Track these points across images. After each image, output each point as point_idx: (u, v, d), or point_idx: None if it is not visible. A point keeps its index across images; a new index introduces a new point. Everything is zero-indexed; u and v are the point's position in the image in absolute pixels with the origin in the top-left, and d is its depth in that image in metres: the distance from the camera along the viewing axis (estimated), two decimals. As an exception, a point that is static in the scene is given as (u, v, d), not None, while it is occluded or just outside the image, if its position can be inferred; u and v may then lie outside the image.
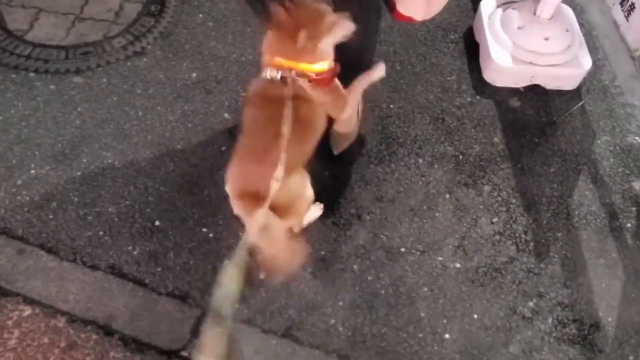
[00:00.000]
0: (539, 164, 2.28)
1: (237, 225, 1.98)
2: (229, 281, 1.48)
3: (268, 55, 1.65)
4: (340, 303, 1.87)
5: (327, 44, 1.66)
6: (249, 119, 1.67)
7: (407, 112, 2.38)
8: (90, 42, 2.46)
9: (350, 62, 1.74)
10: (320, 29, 1.63)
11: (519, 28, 2.45)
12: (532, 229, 2.09)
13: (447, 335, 1.83)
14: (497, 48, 2.46)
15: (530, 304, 1.92)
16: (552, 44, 2.43)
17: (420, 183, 2.18)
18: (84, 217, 1.97)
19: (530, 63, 2.44)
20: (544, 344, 1.84)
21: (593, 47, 2.67)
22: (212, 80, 2.38)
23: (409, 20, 1.82)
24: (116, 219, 1.97)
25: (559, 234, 2.09)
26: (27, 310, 1.75)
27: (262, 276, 1.89)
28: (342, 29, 1.68)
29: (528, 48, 2.43)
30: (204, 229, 1.97)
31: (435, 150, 2.28)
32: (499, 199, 2.16)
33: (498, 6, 2.63)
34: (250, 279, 1.69)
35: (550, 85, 2.52)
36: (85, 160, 2.10)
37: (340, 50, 1.69)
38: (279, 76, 1.61)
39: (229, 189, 1.61)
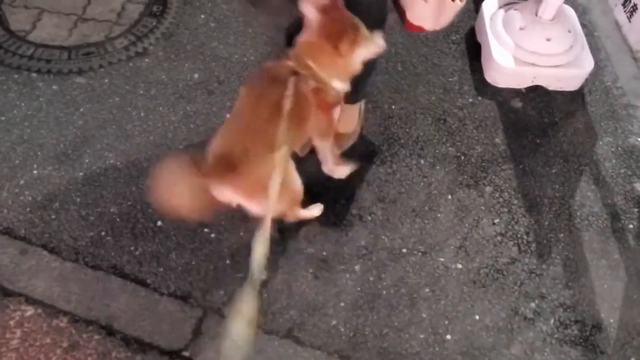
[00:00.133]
0: (540, 165, 2.28)
1: (239, 226, 1.99)
2: (260, 249, 1.54)
3: (297, 52, 1.65)
4: (342, 304, 1.87)
5: (360, 56, 1.67)
6: (247, 95, 1.68)
7: (408, 113, 2.38)
8: (92, 43, 2.47)
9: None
10: (357, 40, 1.64)
11: (521, 29, 2.45)
12: (533, 230, 2.09)
13: (448, 336, 1.83)
14: (499, 49, 2.46)
15: (532, 305, 1.92)
16: (554, 45, 2.43)
17: (421, 184, 2.18)
18: (86, 217, 1.97)
19: (532, 64, 2.44)
20: (546, 345, 1.84)
21: (595, 48, 2.67)
22: (214, 80, 2.38)
23: (420, 29, 1.82)
24: (118, 219, 1.97)
25: (561, 235, 2.09)
26: (30, 310, 1.75)
27: (263, 277, 1.89)
28: (375, 45, 1.69)
29: (530, 49, 2.43)
30: (206, 230, 1.97)
31: (437, 151, 2.28)
32: (501, 199, 2.16)
33: (500, 7, 2.63)
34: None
35: (552, 86, 2.51)
36: (87, 160, 2.11)
37: None
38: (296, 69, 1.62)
39: (210, 152, 1.60)
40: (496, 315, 1.89)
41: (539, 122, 2.42)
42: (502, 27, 2.50)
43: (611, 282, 1.99)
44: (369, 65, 1.79)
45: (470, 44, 2.64)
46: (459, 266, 1.98)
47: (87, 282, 1.82)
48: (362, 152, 2.21)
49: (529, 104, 2.48)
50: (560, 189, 2.21)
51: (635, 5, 2.66)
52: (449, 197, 2.15)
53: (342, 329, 1.82)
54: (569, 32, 2.47)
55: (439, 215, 2.10)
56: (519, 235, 2.07)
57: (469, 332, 1.85)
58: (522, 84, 2.51)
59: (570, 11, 2.59)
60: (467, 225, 2.08)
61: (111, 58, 2.42)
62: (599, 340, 1.86)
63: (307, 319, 1.83)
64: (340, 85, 1.72)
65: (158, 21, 2.58)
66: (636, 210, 2.18)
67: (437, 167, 2.23)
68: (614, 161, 2.32)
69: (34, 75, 2.34)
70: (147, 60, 2.44)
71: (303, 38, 1.67)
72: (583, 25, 2.63)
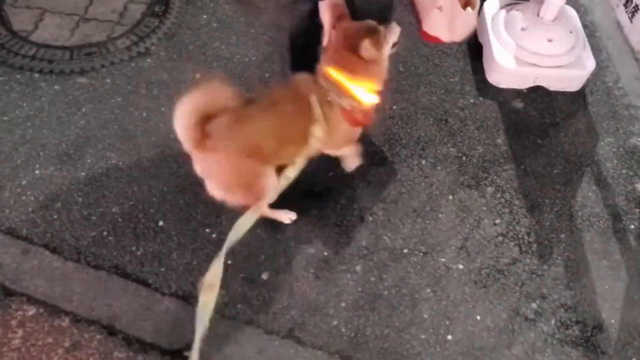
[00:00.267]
0: (542, 166, 2.28)
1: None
2: (242, 225, 1.61)
3: (325, 64, 1.68)
4: (343, 304, 1.87)
5: (387, 52, 1.68)
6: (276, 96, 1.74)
7: (410, 114, 2.38)
8: (94, 43, 2.47)
9: None
10: (379, 40, 1.65)
11: (523, 29, 2.45)
12: (535, 231, 2.09)
13: (449, 337, 1.83)
14: (501, 49, 2.46)
15: (533, 305, 1.92)
16: (555, 46, 2.43)
17: (423, 184, 2.18)
18: (88, 217, 1.98)
19: (534, 64, 2.44)
20: (547, 345, 1.84)
21: (597, 49, 2.67)
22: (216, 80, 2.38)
23: (436, 40, 1.82)
24: (120, 219, 1.98)
25: (562, 236, 2.09)
26: (31, 310, 1.76)
27: (264, 277, 1.89)
28: (394, 34, 1.70)
29: (531, 49, 2.43)
30: (207, 230, 1.98)
31: (438, 151, 2.28)
32: (502, 200, 2.16)
33: (501, 7, 2.63)
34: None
35: (553, 86, 2.51)
36: (89, 160, 2.11)
37: None
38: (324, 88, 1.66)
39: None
40: (497, 315, 1.89)
41: (541, 122, 2.42)
42: (504, 27, 2.50)
43: (612, 282, 1.99)
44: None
45: (471, 45, 2.63)
46: (460, 267, 1.98)
47: (88, 282, 1.83)
48: (363, 152, 2.21)
49: (531, 104, 2.48)
50: (561, 189, 2.21)
51: (637, 5, 2.65)
52: (450, 197, 2.15)
53: (343, 329, 1.82)
54: (571, 32, 2.47)
55: (440, 215, 2.10)
56: (520, 236, 2.07)
57: (470, 332, 1.85)
58: (523, 84, 2.51)
59: (571, 12, 2.59)
60: (468, 225, 2.09)
61: (113, 58, 2.43)
62: (600, 340, 1.86)
63: (308, 319, 1.83)
64: (372, 98, 1.72)
65: (160, 21, 2.58)
66: (637, 210, 2.18)
67: (439, 168, 2.23)
68: (615, 162, 2.32)
69: (36, 75, 2.34)
70: (149, 60, 2.44)
71: (327, 54, 1.67)
72: (584, 26, 2.63)
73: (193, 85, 1.59)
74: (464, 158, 2.27)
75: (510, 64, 2.43)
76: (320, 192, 2.05)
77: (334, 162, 2.09)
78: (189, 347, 1.72)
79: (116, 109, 2.27)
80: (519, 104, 2.47)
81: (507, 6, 2.62)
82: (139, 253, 1.91)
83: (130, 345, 1.72)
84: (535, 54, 2.43)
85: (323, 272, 1.93)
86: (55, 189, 2.03)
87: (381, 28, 1.69)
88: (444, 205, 2.13)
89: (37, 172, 2.07)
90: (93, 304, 1.78)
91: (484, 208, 2.14)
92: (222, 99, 1.63)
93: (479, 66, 2.56)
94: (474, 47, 2.62)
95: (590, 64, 2.48)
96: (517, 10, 2.55)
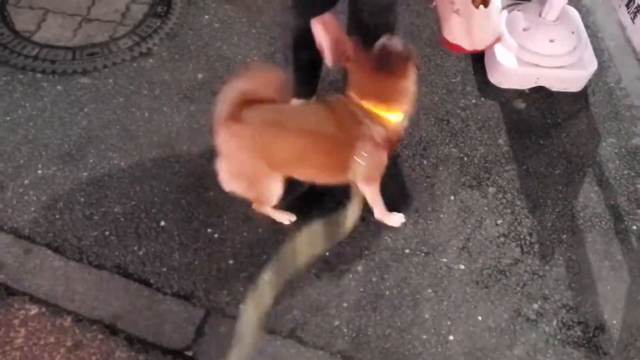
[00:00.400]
0: (543, 166, 2.27)
1: (242, 226, 2.00)
2: (300, 246, 1.62)
3: (355, 94, 1.67)
4: (345, 304, 1.87)
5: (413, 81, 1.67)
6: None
7: (411, 114, 2.37)
8: (96, 43, 2.48)
9: None
10: (415, 61, 1.64)
11: (524, 30, 2.45)
12: (536, 231, 2.09)
13: (451, 337, 1.83)
14: (503, 50, 2.46)
15: (535, 306, 1.92)
16: (557, 46, 2.43)
17: (424, 184, 2.18)
18: (90, 217, 1.98)
19: (536, 65, 2.44)
20: (549, 346, 1.84)
21: (598, 49, 2.67)
22: (218, 81, 2.38)
23: (458, 49, 1.80)
24: (122, 219, 1.98)
25: (564, 236, 2.09)
26: (34, 310, 1.76)
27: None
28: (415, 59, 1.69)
29: (533, 50, 2.43)
30: (209, 230, 1.98)
31: (440, 151, 2.28)
32: (504, 200, 2.16)
33: (503, 8, 2.62)
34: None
35: (555, 87, 2.51)
36: (91, 160, 2.12)
37: None
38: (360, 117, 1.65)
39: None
40: (499, 316, 1.89)
41: (542, 123, 2.42)
42: (506, 28, 2.50)
43: (614, 283, 1.99)
44: None
45: (473, 45, 2.64)
46: (462, 267, 1.98)
47: (90, 282, 1.83)
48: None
49: (532, 104, 2.48)
50: (563, 190, 2.21)
51: (639, 6, 2.65)
52: (452, 197, 2.15)
53: (345, 329, 1.82)
54: (573, 33, 2.47)
55: (441, 216, 2.10)
56: (522, 236, 2.07)
57: (471, 333, 1.85)
58: (525, 84, 2.51)
59: (573, 12, 2.59)
60: (470, 226, 2.08)
61: (115, 58, 2.43)
62: (602, 341, 1.86)
63: (310, 319, 1.83)
64: (403, 119, 1.72)
65: (162, 22, 2.59)
66: (639, 211, 2.18)
67: (440, 168, 2.23)
68: (617, 162, 2.32)
69: (39, 75, 2.35)
70: (151, 60, 2.44)
71: (356, 86, 1.66)
72: (586, 27, 2.63)
73: (249, 67, 1.60)
74: (465, 158, 2.27)
75: (512, 65, 2.43)
76: (321, 192, 2.05)
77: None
78: (190, 346, 1.73)
79: (118, 109, 2.27)
80: (520, 105, 2.47)
81: (509, 6, 2.62)
82: (140, 253, 1.92)
83: (132, 345, 1.73)
84: (537, 54, 2.43)
85: (324, 272, 1.93)
86: (57, 189, 2.04)
87: (409, 47, 1.66)
88: (446, 206, 2.13)
89: (39, 172, 2.07)
90: (95, 304, 1.79)
91: (486, 208, 2.14)
92: (271, 90, 1.66)
93: (480, 66, 2.56)
94: (476, 48, 2.62)
95: (592, 65, 2.47)
96: (519, 10, 2.55)
